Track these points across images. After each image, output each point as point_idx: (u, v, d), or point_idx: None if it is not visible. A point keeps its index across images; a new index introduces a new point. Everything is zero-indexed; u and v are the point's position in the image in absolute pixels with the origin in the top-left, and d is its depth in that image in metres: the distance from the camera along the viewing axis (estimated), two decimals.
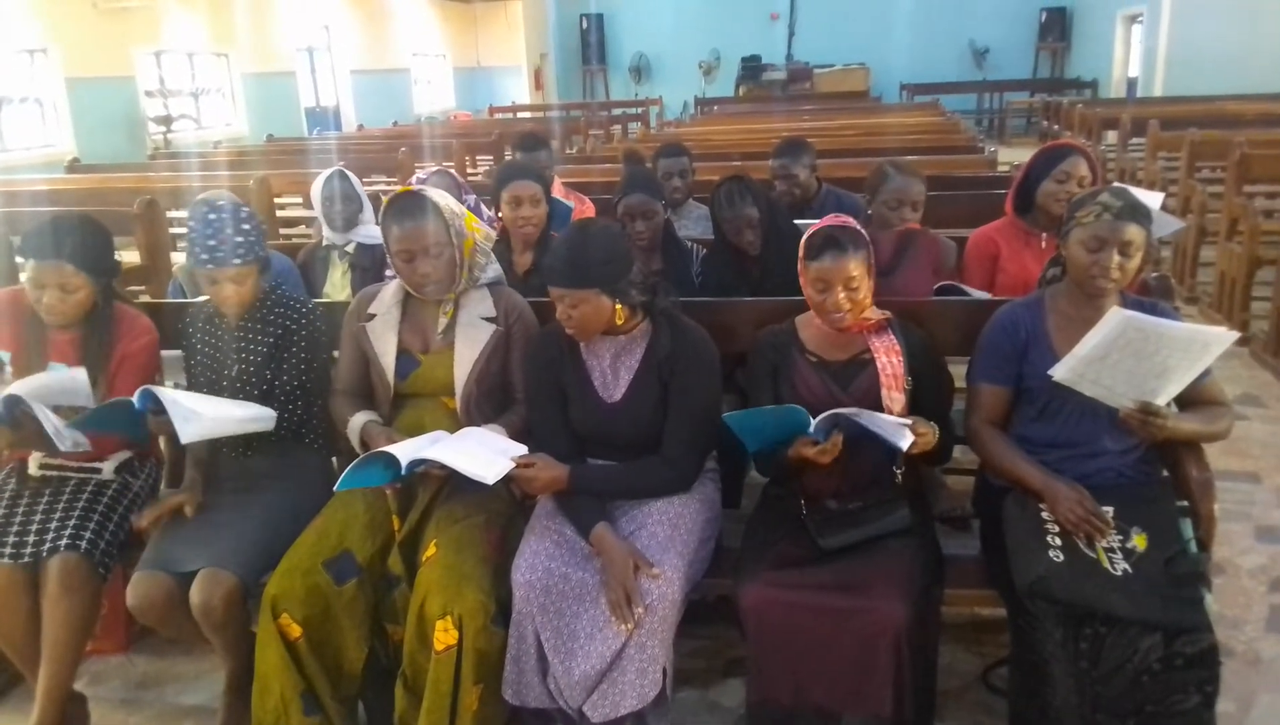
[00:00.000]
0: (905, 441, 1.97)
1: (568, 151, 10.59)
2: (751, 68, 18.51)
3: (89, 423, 2.29)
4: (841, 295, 2.15)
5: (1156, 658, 1.81)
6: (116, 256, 2.55)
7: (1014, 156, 11.54)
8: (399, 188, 2.41)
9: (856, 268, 2.15)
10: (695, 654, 2.65)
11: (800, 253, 2.22)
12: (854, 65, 18.18)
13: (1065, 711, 1.88)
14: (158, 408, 2.22)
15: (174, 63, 11.76)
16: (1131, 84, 14.79)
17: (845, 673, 2.00)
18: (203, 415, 2.22)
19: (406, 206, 2.29)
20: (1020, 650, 2.02)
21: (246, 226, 2.36)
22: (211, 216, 2.35)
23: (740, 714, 2.43)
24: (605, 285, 2.15)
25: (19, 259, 2.39)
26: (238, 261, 2.34)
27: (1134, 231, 2.03)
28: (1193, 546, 1.99)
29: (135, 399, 2.21)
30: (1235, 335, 1.99)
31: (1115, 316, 1.94)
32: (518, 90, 19.16)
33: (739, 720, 2.41)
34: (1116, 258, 2.04)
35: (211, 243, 2.33)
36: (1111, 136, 8.83)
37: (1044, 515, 2.05)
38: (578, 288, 2.14)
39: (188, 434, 2.19)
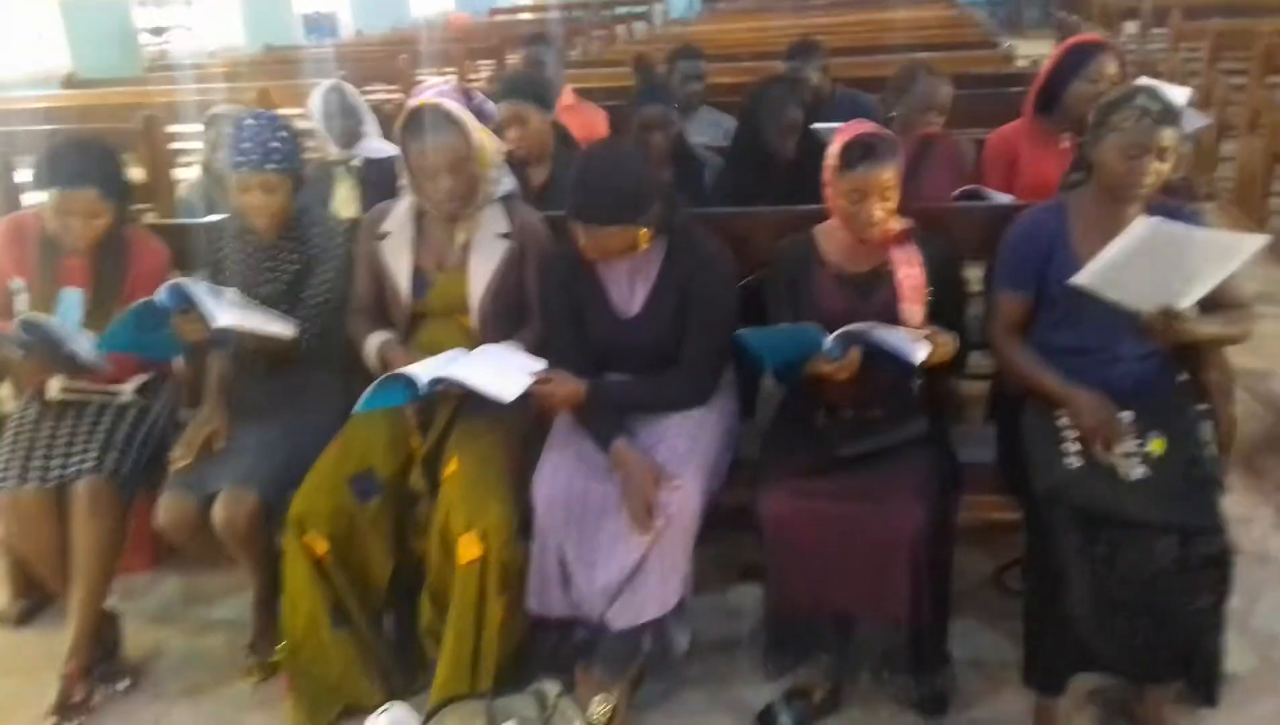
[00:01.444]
0: (920, 355, 1.96)
1: (570, 54, 10.37)
2: None
3: (112, 338, 2.28)
4: (876, 206, 2.11)
5: (1171, 559, 1.83)
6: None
7: (1031, 50, 11.22)
8: (414, 101, 2.36)
9: (890, 176, 2.11)
10: (711, 560, 2.67)
11: (831, 162, 2.17)
12: None
13: (1080, 613, 1.91)
14: (185, 306, 2.21)
15: None
16: None
17: (862, 579, 2.04)
18: (235, 302, 2.23)
19: (426, 121, 2.23)
20: (1036, 554, 2.05)
21: (284, 135, 2.34)
22: (249, 121, 2.34)
23: (758, 618, 2.48)
24: (634, 219, 2.11)
25: (35, 189, 2.36)
26: (271, 166, 2.31)
27: (1170, 135, 1.98)
28: (1212, 449, 2.00)
29: (163, 294, 2.20)
30: (1265, 239, 1.95)
31: (1143, 223, 1.90)
32: None
33: (757, 624, 2.46)
34: (1154, 164, 1.99)
35: (247, 145, 2.30)
36: (1131, 26, 8.55)
37: (1061, 422, 2.04)
38: (607, 225, 2.11)
39: (223, 317, 2.18)
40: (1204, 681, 1.90)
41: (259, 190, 2.34)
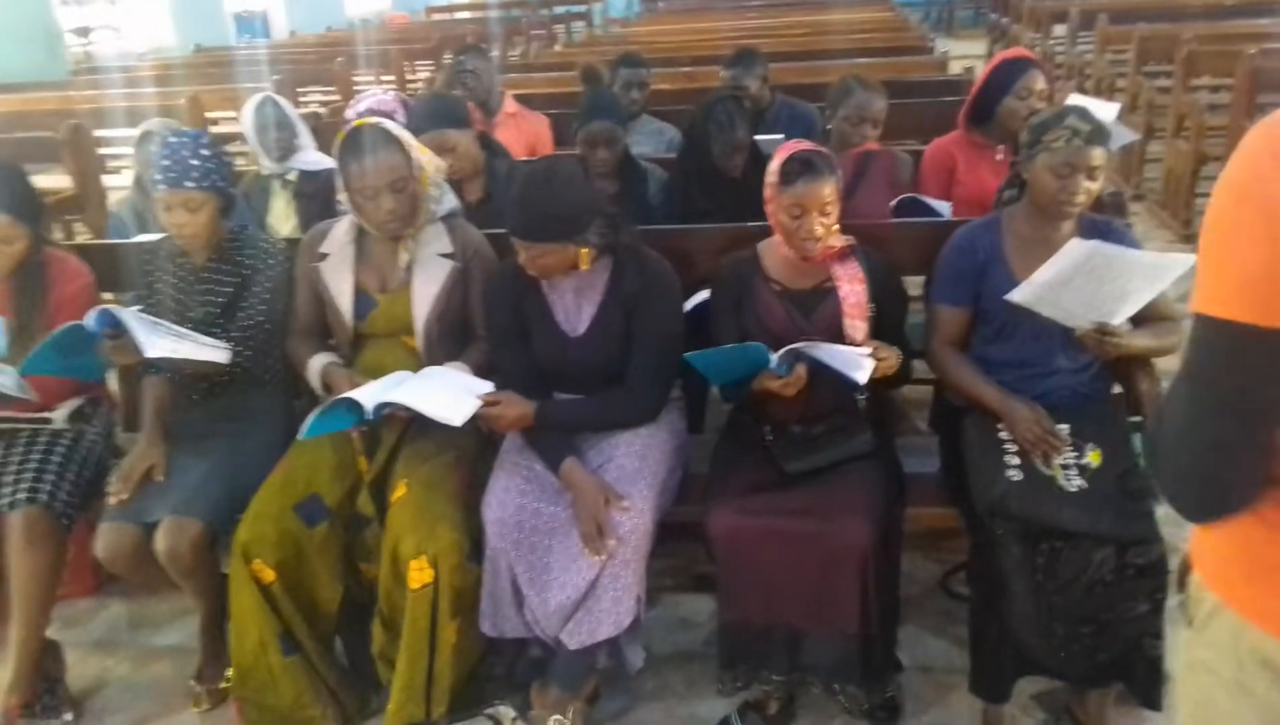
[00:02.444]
0: (864, 374, 2.00)
1: (510, 56, 10.30)
2: None
3: (38, 362, 2.22)
4: (816, 221, 2.14)
5: (1109, 569, 1.89)
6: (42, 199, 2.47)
7: (964, 50, 11.45)
8: (353, 119, 2.33)
9: (830, 192, 2.14)
10: (663, 572, 2.71)
11: (771, 179, 2.19)
12: None
13: (1023, 621, 1.96)
14: (114, 331, 2.17)
15: None
16: None
17: (812, 593, 2.06)
18: (166, 330, 2.19)
19: (366, 141, 2.20)
20: (979, 565, 2.10)
21: (206, 153, 2.29)
22: (171, 139, 2.30)
23: (710, 629, 2.50)
24: (571, 237, 2.11)
25: None
26: (190, 185, 2.26)
27: (1100, 155, 2.04)
28: (1143, 460, 2.06)
29: (91, 320, 2.15)
30: (1193, 260, 2.02)
31: (1079, 245, 1.96)
32: None
33: (710, 636, 2.49)
34: (1084, 182, 2.05)
35: (166, 163, 2.26)
36: (1060, 30, 8.76)
37: (1002, 435, 2.10)
38: (544, 242, 2.10)
39: (154, 348, 2.14)
40: (1146, 685, 1.95)
41: (181, 209, 2.29)
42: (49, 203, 2.60)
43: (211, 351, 2.30)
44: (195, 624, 2.44)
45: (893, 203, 2.86)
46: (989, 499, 1.99)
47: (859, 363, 2.02)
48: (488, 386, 2.23)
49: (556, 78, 6.04)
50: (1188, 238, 5.17)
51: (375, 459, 2.27)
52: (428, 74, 8.67)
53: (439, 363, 2.32)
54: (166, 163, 2.26)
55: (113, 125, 5.86)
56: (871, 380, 2.07)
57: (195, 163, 2.27)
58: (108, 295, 2.76)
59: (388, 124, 2.28)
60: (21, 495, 2.28)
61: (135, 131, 3.33)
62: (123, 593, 2.83)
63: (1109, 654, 1.94)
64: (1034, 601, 1.94)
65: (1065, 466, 2.01)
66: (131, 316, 2.17)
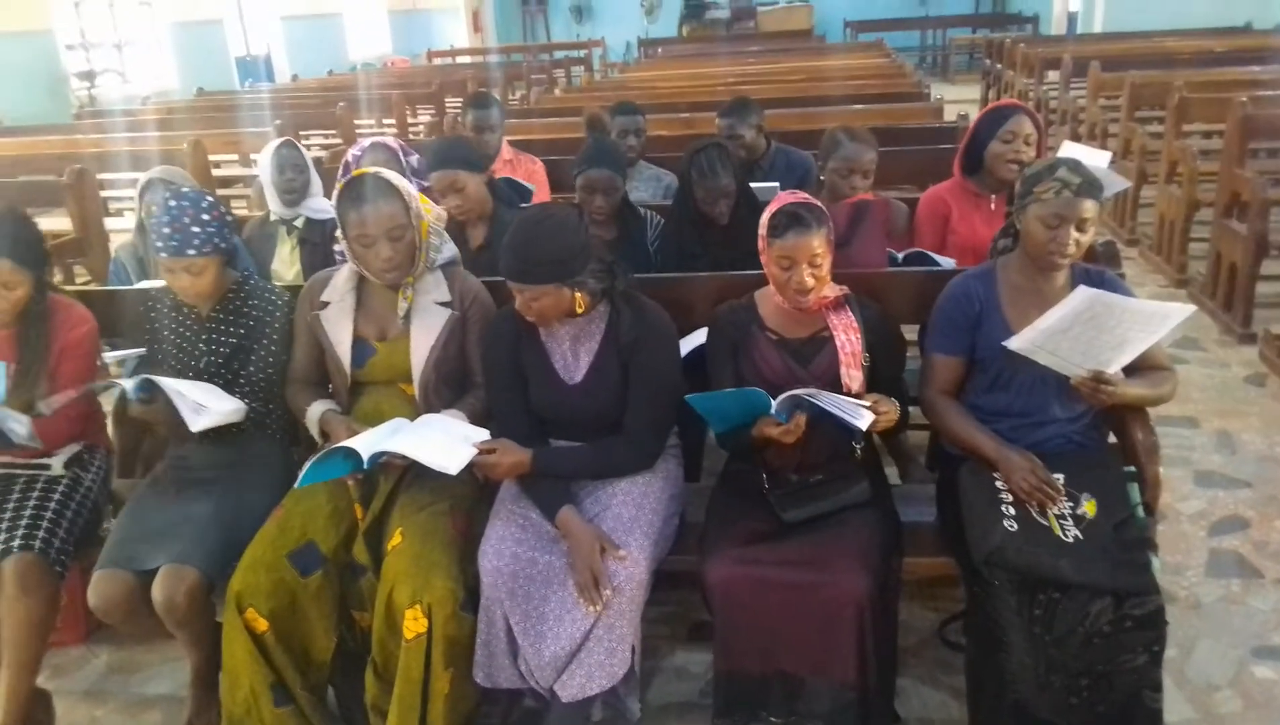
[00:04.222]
0: (864, 422, 2.00)
1: (510, 100, 10.42)
2: (694, 6, 18.27)
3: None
4: (806, 273, 2.16)
5: (1107, 620, 1.89)
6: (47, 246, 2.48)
7: (958, 94, 11.59)
8: (353, 170, 2.35)
9: (820, 245, 2.16)
10: (659, 620, 2.70)
11: (762, 231, 2.22)
12: (797, 3, 18.01)
13: (1020, 672, 1.95)
14: (148, 396, 2.19)
15: (94, 13, 11.26)
16: (1072, 19, 14.86)
17: (810, 644, 2.05)
18: (209, 408, 2.22)
19: (364, 190, 2.23)
20: (976, 615, 2.09)
21: (206, 217, 2.29)
22: (172, 204, 2.29)
23: (707, 679, 2.48)
24: (564, 280, 2.13)
25: None
26: (192, 252, 2.27)
27: (1090, 207, 2.07)
28: (1140, 511, 2.06)
29: (131, 388, 2.18)
30: (1191, 309, 2.05)
31: (1081, 294, 1.99)
32: (456, 33, 18.69)
33: (706, 687, 2.47)
34: (1074, 233, 2.07)
35: (167, 231, 2.26)
36: (1053, 75, 8.88)
37: (998, 484, 2.10)
38: (536, 284, 2.12)
39: (198, 423, 2.19)
40: None
41: (185, 273, 2.31)
42: (51, 246, 2.61)
43: (232, 410, 2.31)
44: (186, 673, 2.41)
45: (900, 255, 2.88)
46: (985, 549, 1.99)
47: (859, 412, 2.02)
48: (484, 434, 2.23)
49: (555, 123, 6.11)
50: (1181, 283, 5.20)
51: (371, 507, 2.27)
52: (429, 118, 8.78)
53: (436, 410, 2.33)
54: (168, 231, 2.26)
55: (116, 169, 5.92)
56: (870, 428, 2.08)
57: (196, 230, 2.27)
58: (109, 343, 2.78)
59: (387, 173, 2.30)
60: (16, 543, 2.27)
61: (138, 176, 3.36)
62: (112, 640, 2.81)
63: (1108, 706, 1.93)
64: (1032, 652, 1.93)
65: (1061, 517, 2.01)
66: (175, 391, 2.19)
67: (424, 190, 2.74)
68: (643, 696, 2.30)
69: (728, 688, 2.16)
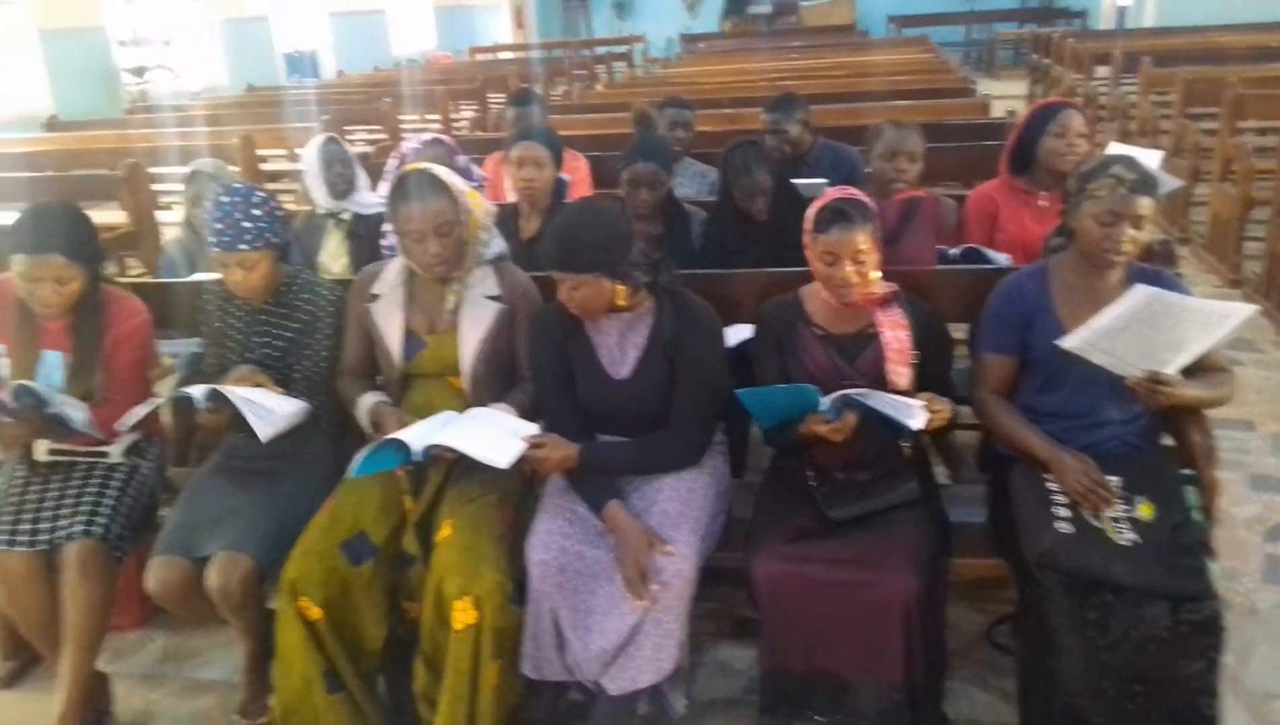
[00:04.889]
0: (918, 421, 1.99)
1: (551, 96, 10.45)
2: (736, 1, 18.19)
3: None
4: (850, 268, 2.15)
5: (1163, 625, 1.86)
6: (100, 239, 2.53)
7: (1004, 90, 11.45)
8: (403, 166, 2.39)
9: (864, 240, 2.15)
10: (703, 617, 2.69)
11: (807, 226, 2.22)
12: None
13: (1073, 677, 1.93)
14: (216, 406, 2.25)
15: (145, 9, 11.46)
16: (1122, 12, 14.60)
17: (857, 643, 2.05)
18: (275, 412, 2.26)
19: (415, 186, 2.26)
20: (1028, 618, 2.07)
21: (258, 213, 2.33)
22: (224, 199, 2.34)
23: (751, 676, 2.49)
24: (604, 269, 2.14)
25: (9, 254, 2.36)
26: (244, 247, 2.32)
27: (1146, 204, 2.04)
28: (1196, 514, 2.03)
29: (199, 397, 2.22)
30: (1255, 309, 2.01)
31: (1142, 290, 1.95)
32: (498, 28, 18.80)
33: (750, 684, 2.47)
34: (1129, 231, 2.04)
35: (219, 226, 2.31)
36: (1102, 71, 8.73)
37: (1050, 486, 2.07)
38: (577, 272, 2.14)
39: (265, 431, 2.23)
40: None
41: (237, 268, 2.35)
42: (105, 239, 2.67)
43: (296, 414, 2.35)
44: (239, 659, 2.45)
45: (955, 251, 2.86)
46: (1038, 551, 1.97)
47: (913, 412, 2.01)
48: (533, 428, 2.25)
49: (597, 119, 6.12)
50: (1235, 283, 5.10)
51: (421, 498, 2.30)
52: (472, 113, 8.83)
53: (484, 403, 2.35)
54: (220, 226, 2.31)
55: (167, 163, 6.03)
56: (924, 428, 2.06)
57: (247, 225, 2.32)
58: (162, 334, 2.83)
59: (436, 169, 2.33)
60: (78, 528, 2.33)
61: (191, 169, 3.43)
62: (168, 625, 2.87)
63: (1162, 712, 1.90)
64: (1085, 657, 1.91)
65: (1116, 519, 1.98)
66: (245, 400, 2.23)
67: (464, 172, 2.80)
68: (687, 692, 2.30)
69: (773, 686, 2.15)
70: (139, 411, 2.36)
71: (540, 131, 3.21)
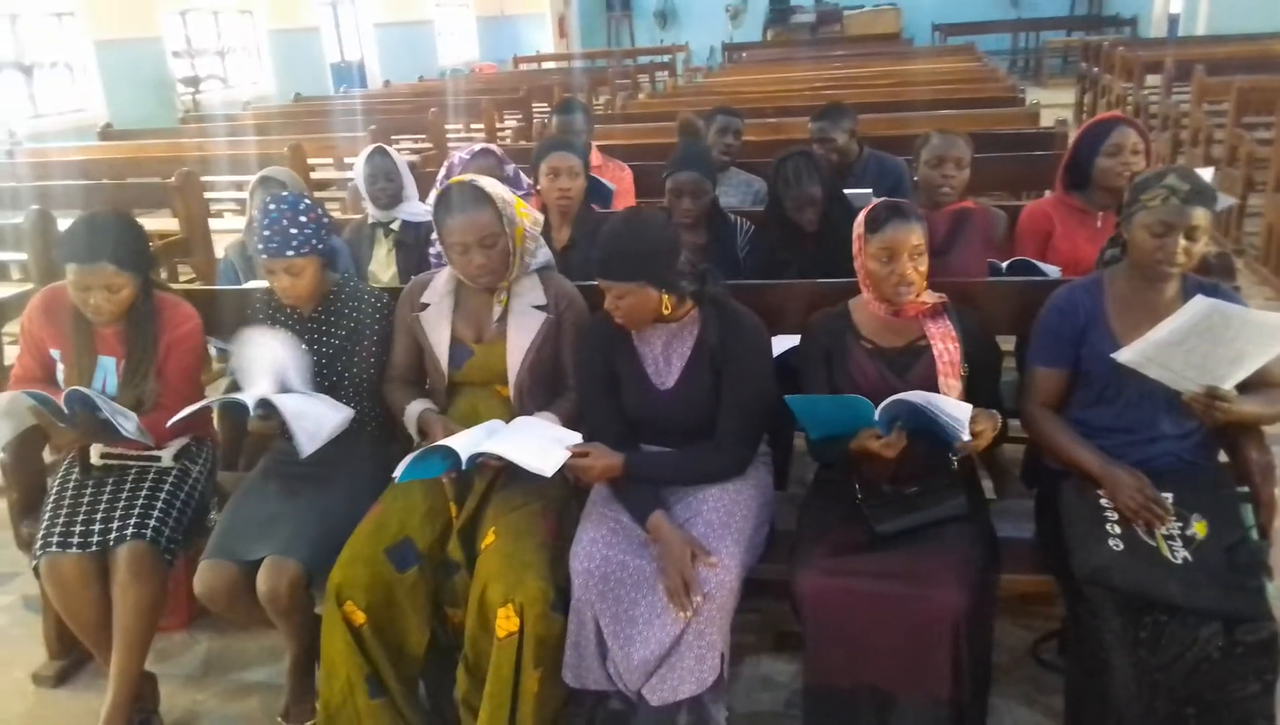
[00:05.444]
0: (965, 432, 1.96)
1: (594, 105, 10.51)
2: (779, 10, 18.19)
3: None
4: (908, 265, 2.14)
5: (1216, 646, 1.82)
6: (152, 247, 2.57)
7: (1052, 98, 11.31)
8: (450, 178, 2.41)
9: (919, 238, 2.14)
10: (745, 629, 2.67)
11: (858, 231, 2.20)
12: (884, 5, 17.80)
13: (1124, 697, 1.89)
14: (265, 413, 2.28)
15: (199, 22, 11.72)
16: (1173, 21, 14.35)
17: (902, 657, 2.02)
18: (322, 425, 2.30)
19: (460, 198, 2.29)
20: (1078, 636, 2.03)
21: (304, 219, 2.37)
22: (272, 206, 2.38)
23: (793, 689, 2.47)
24: (651, 277, 2.15)
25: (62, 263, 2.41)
26: (291, 253, 2.35)
27: (1201, 215, 2.00)
28: (1254, 534, 1.98)
29: (251, 403, 2.26)
30: None
31: (1199, 303, 1.92)
32: (541, 39, 18.93)
33: (792, 697, 2.45)
34: (1183, 242, 2.00)
35: (266, 232, 2.36)
36: (1153, 80, 8.59)
37: (1103, 502, 2.04)
38: (623, 281, 2.15)
39: (309, 446, 2.27)
40: None
41: (284, 273, 2.39)
42: (158, 246, 2.72)
43: (341, 423, 2.37)
44: (284, 662, 2.48)
45: (1005, 264, 2.82)
46: (1089, 569, 1.93)
47: (963, 413, 1.98)
48: (577, 437, 2.25)
49: (640, 129, 6.14)
50: None
51: (465, 506, 2.31)
52: (515, 123, 8.91)
53: (530, 412, 2.36)
54: (267, 232, 2.36)
55: (218, 172, 6.14)
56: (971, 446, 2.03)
57: (294, 231, 2.36)
58: (214, 340, 2.88)
59: (482, 180, 2.35)
60: (129, 530, 2.37)
61: (240, 179, 3.49)
62: (214, 628, 2.91)
63: None
64: (1136, 677, 1.87)
65: (1169, 537, 1.94)
66: (295, 413, 2.27)
67: (513, 181, 2.82)
68: (728, 704, 2.29)
69: (816, 701, 2.14)
70: (186, 412, 2.40)
71: (575, 145, 3.24)
